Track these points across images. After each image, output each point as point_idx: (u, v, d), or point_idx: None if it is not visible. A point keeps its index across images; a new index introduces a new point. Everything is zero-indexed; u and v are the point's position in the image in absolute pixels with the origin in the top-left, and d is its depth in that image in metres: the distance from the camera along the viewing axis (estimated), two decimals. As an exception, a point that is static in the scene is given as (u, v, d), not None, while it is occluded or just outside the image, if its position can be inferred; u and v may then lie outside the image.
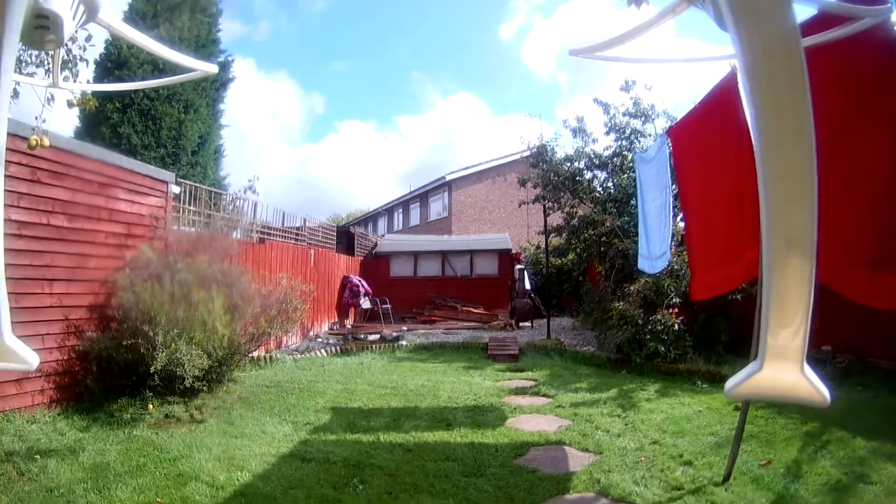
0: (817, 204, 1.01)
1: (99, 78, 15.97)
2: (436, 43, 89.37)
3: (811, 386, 1.06)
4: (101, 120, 15.46)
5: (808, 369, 1.06)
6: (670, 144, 5.90)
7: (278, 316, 7.42)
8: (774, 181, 0.97)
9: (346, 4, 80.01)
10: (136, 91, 15.64)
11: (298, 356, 9.96)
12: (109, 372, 5.74)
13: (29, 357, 1.13)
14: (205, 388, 6.13)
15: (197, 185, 9.42)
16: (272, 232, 11.75)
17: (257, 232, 10.96)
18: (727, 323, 8.60)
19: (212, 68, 2.33)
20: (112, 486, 3.85)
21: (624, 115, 11.67)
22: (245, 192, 11.45)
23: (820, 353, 7.38)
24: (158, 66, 15.44)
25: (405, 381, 7.75)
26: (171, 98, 16.23)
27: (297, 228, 13.10)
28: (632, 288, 8.76)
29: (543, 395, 6.84)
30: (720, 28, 1.18)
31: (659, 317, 8.00)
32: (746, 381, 1.09)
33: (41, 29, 1.31)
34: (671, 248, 8.17)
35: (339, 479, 4.14)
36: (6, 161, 1.32)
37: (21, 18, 1.10)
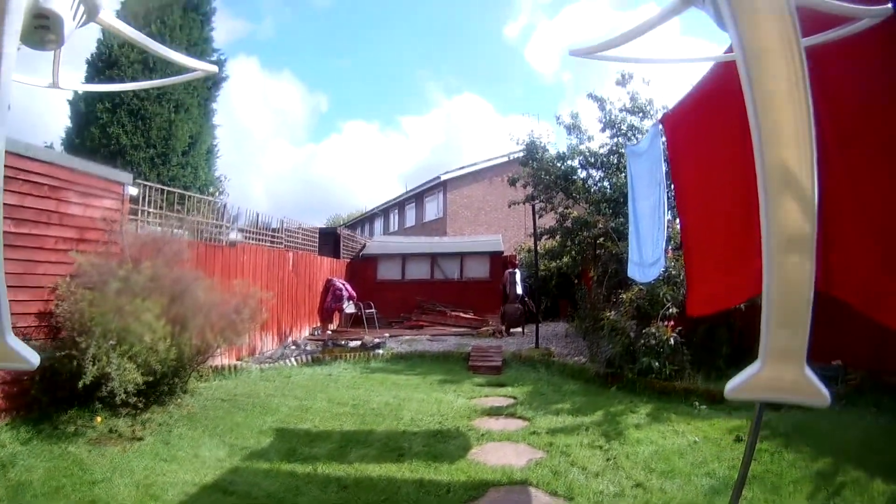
0: (818, 203, 0.99)
1: (90, 78, 15.75)
2: (440, 42, 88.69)
3: (812, 386, 1.03)
4: (90, 120, 15.27)
5: (808, 370, 1.02)
6: (664, 134, 5.13)
7: (226, 329, 6.67)
8: (774, 181, 0.97)
9: (350, 1, 78.89)
10: (126, 91, 15.37)
11: (266, 366, 9.29)
12: (55, 383, 5.34)
13: (30, 357, 1.11)
14: (141, 404, 5.63)
15: (158, 185, 8.83)
16: (245, 234, 11.12)
17: (227, 234, 10.30)
18: (729, 334, 7.76)
19: (212, 68, 2.22)
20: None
21: (620, 110, 10.89)
22: (215, 192, 10.86)
23: (829, 369, 6.55)
24: (149, 66, 15.42)
25: (369, 398, 7.00)
26: (162, 98, 15.88)
27: (274, 230, 12.42)
28: (624, 296, 7.94)
29: (519, 418, 6.05)
30: (720, 28, 1.18)
31: (653, 330, 7.17)
32: (747, 381, 1.06)
33: (41, 29, 1.29)
34: (667, 253, 7.36)
35: None
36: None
37: (21, 18, 1.09)
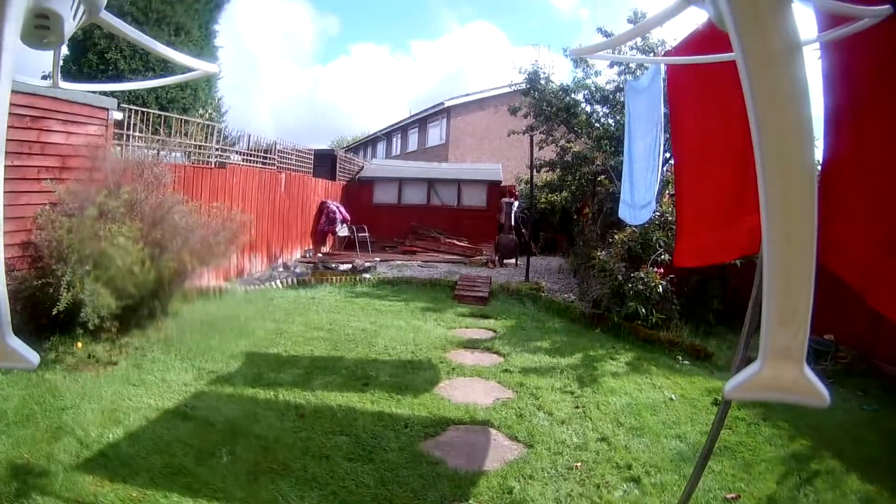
0: (818, 201, 0.97)
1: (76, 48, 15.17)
2: None
3: (812, 386, 1.01)
4: (88, 47, 14.75)
5: (807, 369, 0.99)
6: (666, 74, 4.73)
7: (203, 251, 6.50)
8: (774, 179, 0.96)
9: None
10: (124, 17, 14.67)
11: (252, 287, 9.19)
12: (37, 311, 5.30)
13: (30, 356, 1.07)
14: (115, 328, 5.56)
15: (143, 109, 8.44)
16: (234, 155, 10.81)
17: (216, 156, 9.96)
18: (722, 289, 7.51)
19: (212, 68, 2.17)
20: (-4, 432, 3.65)
21: (631, 48, 10.27)
22: (205, 115, 10.54)
23: (821, 343, 6.25)
24: (138, 21, 14.98)
25: (347, 323, 6.90)
26: (161, 21, 15.35)
27: (265, 151, 12.04)
28: (617, 237, 7.66)
29: (495, 353, 5.93)
30: (720, 28, 1.14)
31: (641, 274, 6.93)
32: (747, 381, 1.03)
33: (41, 28, 1.25)
34: (662, 197, 7.03)
35: (208, 446, 3.61)
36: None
37: (21, 18, 1.05)
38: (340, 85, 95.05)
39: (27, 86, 5.63)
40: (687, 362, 6.03)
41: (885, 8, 1.84)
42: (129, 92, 14.61)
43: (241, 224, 7.19)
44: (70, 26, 1.31)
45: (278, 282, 9.81)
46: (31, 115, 5.62)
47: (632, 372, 5.55)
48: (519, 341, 6.42)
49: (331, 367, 5.15)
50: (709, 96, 3.76)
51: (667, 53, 4.75)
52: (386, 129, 30.22)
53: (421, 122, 25.56)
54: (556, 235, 15.93)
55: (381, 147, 31.32)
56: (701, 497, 3.11)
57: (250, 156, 11.37)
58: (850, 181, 2.69)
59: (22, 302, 5.26)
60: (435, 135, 24.32)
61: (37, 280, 5.20)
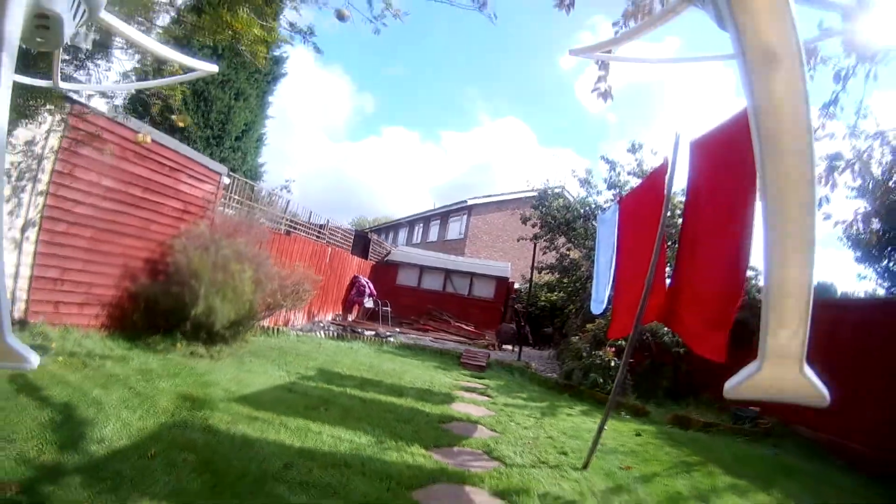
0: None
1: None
2: (495, 62, 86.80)
3: (811, 385, 1.07)
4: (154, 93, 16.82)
5: (807, 369, 1.06)
6: (618, 211, 7.32)
7: (292, 294, 9.00)
8: (774, 179, 0.99)
9: (413, 11, 79.47)
10: (148, 88, 16.65)
11: (301, 334, 11.56)
12: (153, 313, 7.32)
13: (30, 356, 1.09)
14: (227, 335, 7.81)
15: (245, 179, 11.24)
16: (298, 227, 13.55)
17: (286, 225, 12.68)
18: (674, 372, 9.90)
19: (212, 68, 2.28)
20: (156, 380, 5.49)
21: (629, 174, 13.07)
22: (281, 190, 13.41)
23: (745, 412, 8.08)
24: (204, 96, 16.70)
25: (381, 365, 9.29)
26: (225, 84, 16.95)
27: (320, 227, 14.79)
28: (588, 326, 10.13)
29: (486, 395, 8.24)
30: (720, 28, 1.16)
31: (600, 353, 9.35)
32: (746, 380, 1.09)
33: (41, 29, 1.30)
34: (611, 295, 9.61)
35: (311, 404, 5.90)
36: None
37: (21, 18, 1.09)
38: (368, 164, 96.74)
39: (170, 141, 8.06)
40: (628, 416, 8.30)
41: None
42: (194, 147, 16.14)
43: (314, 280, 9.72)
44: (70, 27, 1.35)
45: (321, 332, 12.19)
46: (170, 166, 7.86)
47: (583, 415, 7.84)
48: (504, 392, 8.76)
49: (376, 384, 7.52)
50: (636, 230, 6.25)
51: (621, 199, 7.31)
52: (410, 217, 33.37)
53: (443, 215, 28.63)
54: (554, 331, 18.25)
55: (402, 233, 34.33)
56: (604, 465, 5.32)
57: (308, 228, 14.07)
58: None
59: (144, 302, 7.28)
60: (455, 229, 27.33)
61: (173, 287, 7.21)
